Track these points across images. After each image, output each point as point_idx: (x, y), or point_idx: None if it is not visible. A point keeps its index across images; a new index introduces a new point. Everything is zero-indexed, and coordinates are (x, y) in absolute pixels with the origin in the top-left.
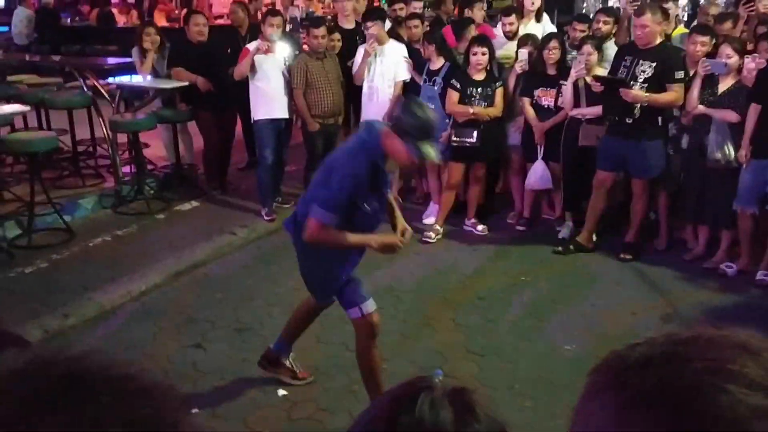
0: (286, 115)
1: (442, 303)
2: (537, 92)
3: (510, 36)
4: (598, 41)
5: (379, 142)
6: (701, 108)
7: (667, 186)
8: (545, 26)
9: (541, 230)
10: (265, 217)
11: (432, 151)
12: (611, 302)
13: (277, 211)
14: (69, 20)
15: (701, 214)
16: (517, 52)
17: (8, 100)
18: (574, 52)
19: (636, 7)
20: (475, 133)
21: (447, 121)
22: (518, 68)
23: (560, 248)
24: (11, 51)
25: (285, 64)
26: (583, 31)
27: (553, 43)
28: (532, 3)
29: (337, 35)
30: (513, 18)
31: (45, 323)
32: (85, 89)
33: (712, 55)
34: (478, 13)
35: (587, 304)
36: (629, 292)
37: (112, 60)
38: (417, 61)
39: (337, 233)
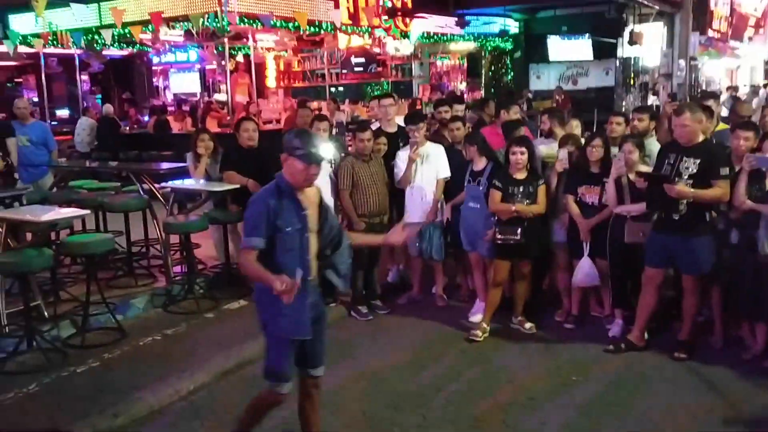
0: None
1: (491, 404)
2: (581, 189)
3: (547, 135)
4: (639, 139)
5: (281, 174)
6: (749, 203)
7: (719, 282)
8: None
9: (590, 328)
10: None
11: (318, 153)
12: (668, 403)
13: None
14: (128, 128)
15: (757, 311)
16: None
17: (69, 204)
18: (616, 149)
19: (675, 106)
20: (519, 230)
21: (492, 219)
22: (558, 167)
23: (611, 347)
24: (73, 158)
25: (331, 167)
26: (620, 123)
27: (597, 141)
28: (576, 126)
29: (383, 139)
30: (621, 118)
31: (95, 423)
32: (142, 193)
33: (756, 150)
34: (514, 115)
35: (643, 405)
36: (686, 392)
37: (166, 165)
38: (459, 162)
39: (254, 268)
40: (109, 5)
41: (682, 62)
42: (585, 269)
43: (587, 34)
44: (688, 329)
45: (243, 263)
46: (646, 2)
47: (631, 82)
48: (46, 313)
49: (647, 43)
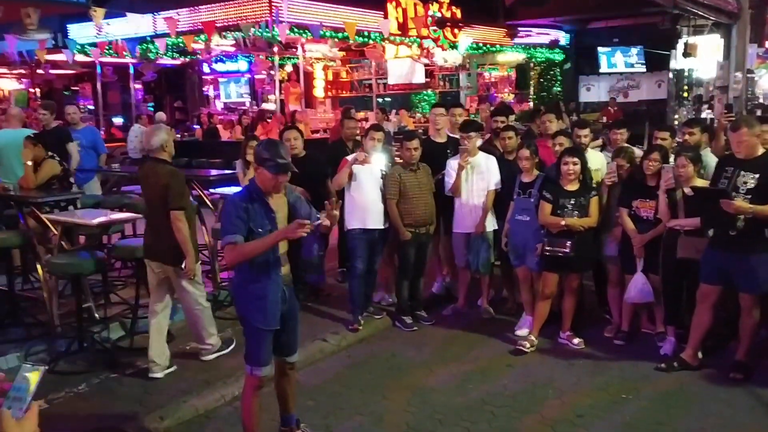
0: (379, 226)
1: (538, 420)
2: (635, 203)
3: (584, 148)
4: (694, 152)
5: (253, 180)
6: None
7: None
8: None
9: (640, 345)
10: (349, 327)
11: (286, 163)
12: (723, 425)
13: (368, 322)
14: (179, 135)
15: None
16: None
17: (121, 209)
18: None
19: (730, 120)
20: (569, 244)
21: (541, 232)
22: (608, 181)
23: (663, 365)
24: (126, 164)
25: (381, 177)
26: (665, 139)
27: (654, 155)
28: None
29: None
30: (587, 131)
31: (141, 425)
32: (191, 199)
33: None
34: (549, 123)
35: (696, 427)
36: (743, 415)
37: (215, 172)
38: (509, 173)
39: (248, 245)
40: (163, 15)
41: (738, 75)
42: (639, 285)
43: (639, 46)
44: (745, 349)
45: (232, 257)
46: (701, 13)
47: (685, 94)
48: (96, 315)
49: (702, 55)
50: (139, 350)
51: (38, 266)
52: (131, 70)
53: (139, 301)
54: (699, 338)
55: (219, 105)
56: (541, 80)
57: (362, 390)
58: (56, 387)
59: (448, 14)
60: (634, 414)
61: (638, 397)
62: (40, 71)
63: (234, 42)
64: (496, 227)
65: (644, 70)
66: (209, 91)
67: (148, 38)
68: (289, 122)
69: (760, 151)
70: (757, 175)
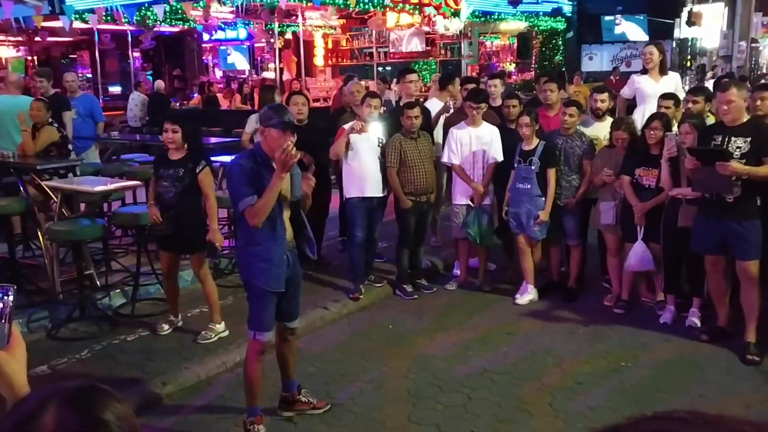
0: (377, 194)
1: (538, 387)
2: (638, 171)
3: (600, 114)
4: (699, 119)
5: (258, 145)
6: None
7: None
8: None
9: (640, 314)
10: (349, 295)
11: (292, 121)
12: (722, 393)
13: (369, 290)
14: (178, 104)
15: None
16: (611, 134)
17: (121, 177)
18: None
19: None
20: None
21: (543, 199)
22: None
23: (704, 336)
24: (125, 132)
25: (379, 145)
26: (668, 107)
27: (655, 123)
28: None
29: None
30: (605, 96)
31: (143, 390)
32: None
33: None
34: (551, 93)
35: (695, 394)
36: (742, 382)
37: (214, 140)
38: (512, 140)
39: (259, 201)
40: None
41: (742, 44)
42: (639, 253)
43: (643, 14)
44: (755, 325)
45: (257, 215)
46: None
47: (688, 64)
48: (98, 282)
49: (706, 24)
50: (140, 317)
51: (39, 233)
52: (129, 38)
53: (140, 269)
54: (722, 304)
55: (218, 73)
56: (543, 49)
57: (363, 357)
58: (58, 353)
59: None
60: (633, 381)
61: (637, 365)
62: (37, 39)
63: (233, 8)
64: (506, 203)
65: (647, 38)
66: (209, 59)
67: (146, 4)
68: (287, 91)
69: (746, 117)
70: (749, 138)
